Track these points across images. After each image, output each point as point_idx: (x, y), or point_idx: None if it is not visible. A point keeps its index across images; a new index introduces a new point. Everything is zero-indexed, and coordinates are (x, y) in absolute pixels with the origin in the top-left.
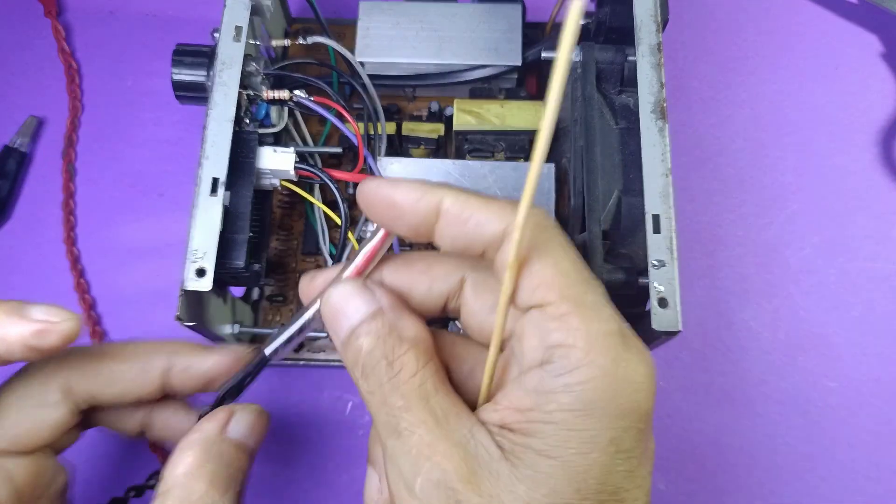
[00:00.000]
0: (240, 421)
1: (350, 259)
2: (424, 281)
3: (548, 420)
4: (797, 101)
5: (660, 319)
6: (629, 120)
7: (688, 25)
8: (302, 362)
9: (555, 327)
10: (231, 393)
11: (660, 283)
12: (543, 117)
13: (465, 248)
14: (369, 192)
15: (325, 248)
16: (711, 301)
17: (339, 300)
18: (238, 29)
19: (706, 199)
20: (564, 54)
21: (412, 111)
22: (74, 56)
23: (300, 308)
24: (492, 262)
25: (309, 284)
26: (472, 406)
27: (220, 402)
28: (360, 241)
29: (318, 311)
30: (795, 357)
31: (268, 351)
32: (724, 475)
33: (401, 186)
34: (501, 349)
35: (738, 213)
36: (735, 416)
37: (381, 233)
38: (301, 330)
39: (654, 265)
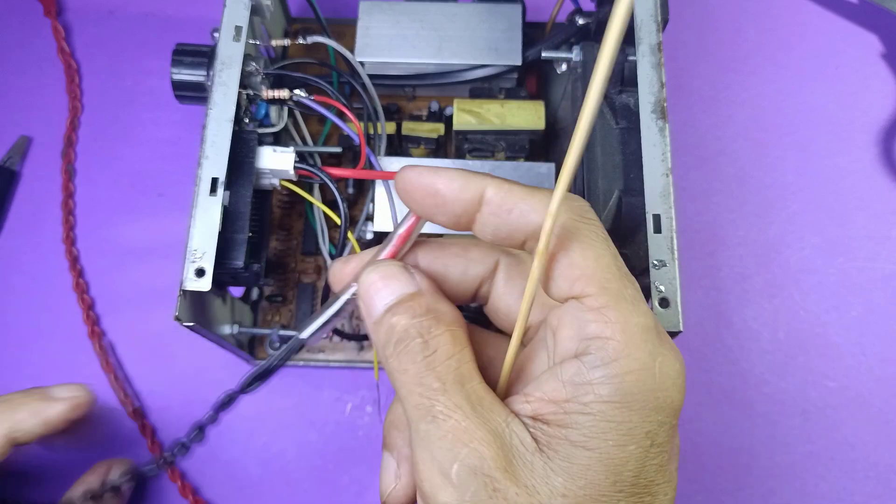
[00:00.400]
0: (116, 471)
1: (384, 242)
2: (460, 264)
3: (585, 411)
4: (797, 101)
5: (661, 320)
6: (629, 120)
7: (688, 25)
8: (301, 362)
9: (592, 319)
10: (260, 377)
11: (661, 283)
12: (587, 98)
13: (506, 239)
14: (410, 180)
15: (325, 247)
16: (711, 301)
17: (378, 280)
18: (238, 29)
19: (707, 199)
20: (611, 45)
21: (412, 111)
22: (74, 56)
23: (333, 293)
24: (531, 252)
25: (342, 269)
26: None
27: (249, 384)
28: (360, 240)
29: (354, 294)
30: (795, 357)
31: (304, 335)
32: (724, 475)
33: (443, 175)
34: (524, 344)
35: (738, 212)
36: (735, 416)
37: (413, 216)
38: (337, 313)
39: (655, 265)
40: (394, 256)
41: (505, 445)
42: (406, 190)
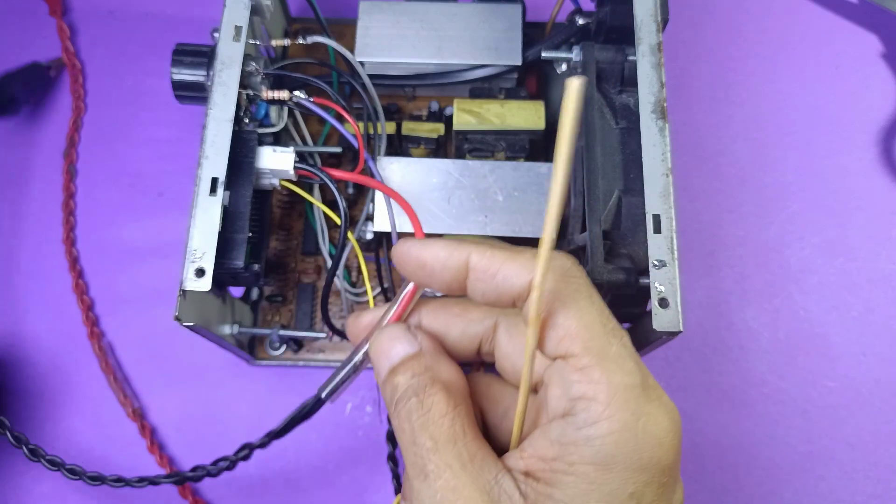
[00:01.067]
0: None
1: (391, 303)
2: (459, 324)
3: (569, 472)
4: (797, 101)
5: (660, 320)
6: (629, 120)
7: (688, 25)
8: (302, 363)
9: (577, 379)
10: (280, 432)
11: (660, 283)
12: (551, 190)
13: (496, 301)
14: (401, 254)
15: (325, 247)
16: (711, 301)
17: (384, 342)
18: (238, 29)
19: (706, 199)
20: (566, 136)
21: (412, 111)
22: (78, 56)
23: (352, 350)
24: (522, 311)
25: (355, 323)
26: (505, 447)
27: (267, 440)
28: (359, 240)
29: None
30: (795, 357)
31: (324, 394)
32: (724, 475)
33: (429, 247)
34: (535, 391)
35: (738, 212)
36: (735, 416)
37: (407, 291)
38: (355, 370)
39: (655, 265)
40: (399, 318)
41: (492, 502)
42: (398, 262)
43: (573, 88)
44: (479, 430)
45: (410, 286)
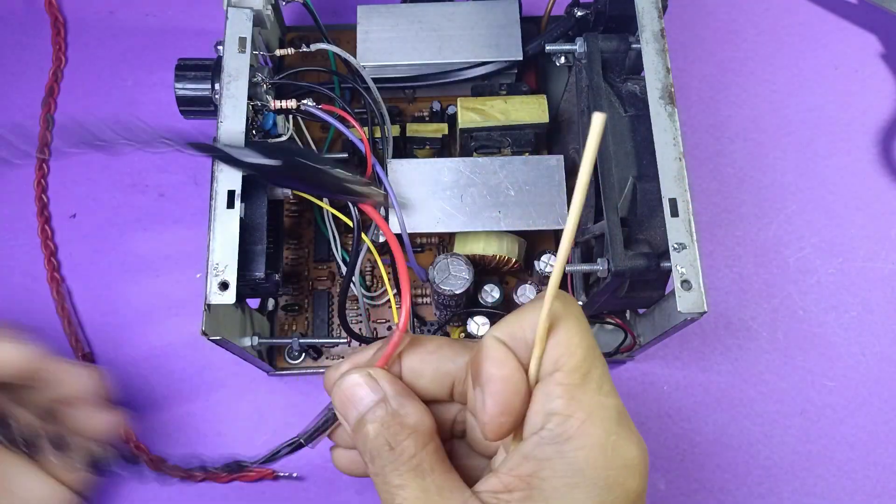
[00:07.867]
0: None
1: (374, 348)
2: (433, 361)
3: (541, 486)
4: (797, 101)
5: (685, 302)
6: (637, 107)
7: (688, 25)
8: (322, 370)
9: (559, 394)
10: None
11: (682, 265)
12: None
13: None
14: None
15: (338, 253)
16: (711, 301)
17: (347, 391)
18: (242, 40)
19: (705, 200)
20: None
21: (413, 112)
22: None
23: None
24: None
25: (333, 376)
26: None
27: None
28: (374, 243)
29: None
30: (794, 357)
31: (303, 439)
32: (724, 475)
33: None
34: None
35: (736, 213)
36: (735, 416)
37: (397, 332)
38: (327, 421)
39: (675, 248)
40: (384, 364)
41: None
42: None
43: (597, 123)
44: (447, 462)
45: (396, 335)
